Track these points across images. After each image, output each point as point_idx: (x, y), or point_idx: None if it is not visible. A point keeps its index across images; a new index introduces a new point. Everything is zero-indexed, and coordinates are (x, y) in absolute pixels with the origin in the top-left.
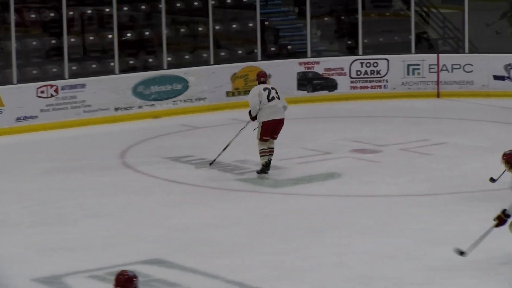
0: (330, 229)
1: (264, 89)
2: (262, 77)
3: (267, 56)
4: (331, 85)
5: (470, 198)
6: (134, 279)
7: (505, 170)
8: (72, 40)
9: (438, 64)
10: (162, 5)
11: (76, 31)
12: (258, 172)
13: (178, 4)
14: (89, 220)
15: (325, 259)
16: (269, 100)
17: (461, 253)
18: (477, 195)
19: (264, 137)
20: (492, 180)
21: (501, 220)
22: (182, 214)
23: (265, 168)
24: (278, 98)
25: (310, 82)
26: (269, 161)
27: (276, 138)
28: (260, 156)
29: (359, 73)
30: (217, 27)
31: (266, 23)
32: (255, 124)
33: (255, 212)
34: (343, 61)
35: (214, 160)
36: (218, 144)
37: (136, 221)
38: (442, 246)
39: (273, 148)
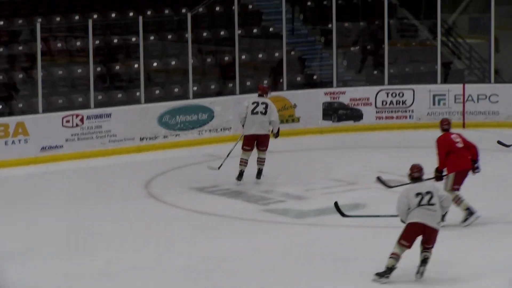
0: (356, 259)
1: (253, 102)
2: (259, 90)
3: (292, 86)
4: (356, 115)
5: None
6: None
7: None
8: (98, 69)
9: (463, 94)
10: (189, 34)
11: (103, 60)
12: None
13: (205, 34)
14: (114, 249)
15: None
16: (252, 114)
17: (341, 212)
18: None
19: (243, 147)
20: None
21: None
22: (207, 244)
23: (239, 176)
24: (264, 113)
25: (335, 112)
26: (242, 171)
27: (262, 150)
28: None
29: (384, 103)
30: (243, 57)
31: (292, 52)
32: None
33: (280, 242)
34: (369, 91)
35: (221, 164)
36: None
37: (161, 250)
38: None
39: (262, 159)
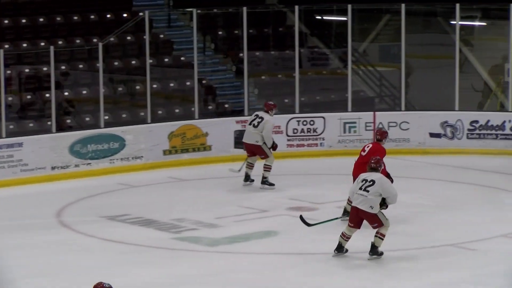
0: (268, 287)
1: (254, 114)
2: (265, 106)
3: (204, 114)
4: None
5: (407, 256)
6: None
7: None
8: (10, 98)
9: (374, 122)
10: (100, 64)
11: (14, 89)
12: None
13: (116, 63)
14: (27, 280)
15: None
16: (248, 124)
17: (306, 223)
18: (411, 253)
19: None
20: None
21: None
22: (121, 274)
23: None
24: (256, 126)
25: None
26: (246, 174)
27: (261, 158)
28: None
29: (295, 131)
30: (155, 86)
31: (204, 81)
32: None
33: (192, 271)
34: (280, 119)
35: (241, 168)
36: (155, 202)
37: (75, 280)
38: None
39: (265, 165)
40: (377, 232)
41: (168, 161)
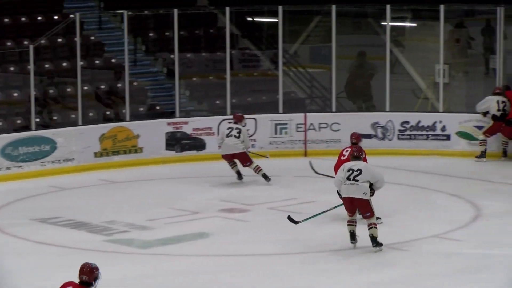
0: None
1: (228, 128)
2: (235, 118)
3: (135, 116)
4: (199, 145)
5: (340, 255)
6: (96, 270)
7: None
8: None
9: (305, 123)
10: (31, 66)
11: None
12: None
13: (47, 65)
14: None
15: None
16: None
17: (293, 221)
18: (347, 253)
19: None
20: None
21: None
22: (52, 277)
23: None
24: (237, 137)
25: (178, 142)
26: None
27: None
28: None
29: None
30: (86, 88)
31: (135, 83)
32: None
33: (124, 273)
34: (212, 120)
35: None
36: (86, 205)
37: (7, 283)
38: None
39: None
40: (370, 224)
41: (100, 163)
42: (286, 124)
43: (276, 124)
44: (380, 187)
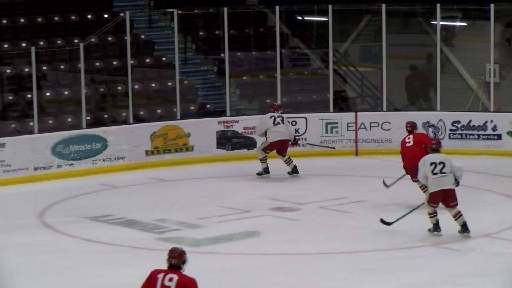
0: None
1: (271, 117)
2: (272, 107)
3: (186, 115)
4: (250, 144)
5: (388, 256)
6: (184, 254)
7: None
8: None
9: (356, 122)
10: (81, 64)
11: None
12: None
13: (97, 64)
14: (4, 281)
15: None
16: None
17: (386, 223)
18: (395, 253)
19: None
20: (385, 184)
21: None
22: (101, 274)
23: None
24: (283, 124)
25: (229, 140)
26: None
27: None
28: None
29: None
30: (136, 86)
31: (186, 82)
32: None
33: None
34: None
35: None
36: (137, 203)
37: (55, 281)
38: None
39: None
40: (457, 213)
41: (150, 161)
42: (336, 123)
43: (327, 123)
44: (461, 176)
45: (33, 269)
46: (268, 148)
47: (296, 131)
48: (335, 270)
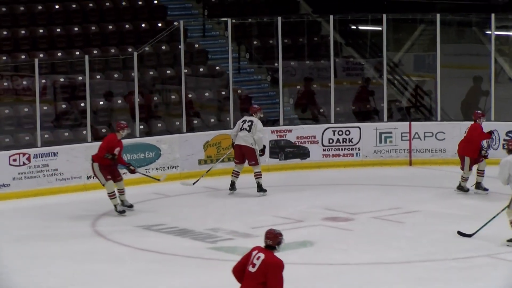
0: None
1: (242, 120)
2: (250, 110)
3: None
4: (303, 153)
5: (442, 266)
6: (280, 235)
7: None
8: (45, 108)
9: (410, 132)
10: (135, 73)
11: (49, 99)
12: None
13: (151, 72)
14: None
15: None
16: (240, 130)
17: (466, 235)
18: (449, 263)
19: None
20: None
21: None
22: (154, 283)
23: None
24: (248, 130)
25: (282, 150)
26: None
27: (241, 162)
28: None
29: (331, 141)
30: (190, 95)
31: (239, 91)
32: None
33: (226, 281)
34: (316, 129)
35: (197, 180)
36: (190, 212)
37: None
38: None
39: (238, 172)
40: None
41: (204, 170)
42: (390, 132)
43: (381, 133)
44: None
45: (85, 278)
46: (235, 156)
47: (350, 140)
48: (388, 281)
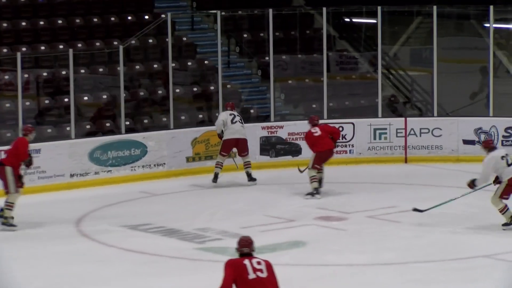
0: None
1: (230, 114)
2: (228, 106)
3: None
4: (295, 150)
5: (440, 267)
6: (252, 240)
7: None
8: (27, 103)
9: (405, 128)
10: (121, 68)
11: (32, 94)
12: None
13: (137, 67)
14: None
15: None
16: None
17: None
18: (447, 264)
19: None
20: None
21: (470, 187)
22: (140, 285)
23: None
24: (242, 122)
25: (273, 147)
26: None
27: (227, 153)
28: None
29: None
30: (178, 91)
31: (228, 86)
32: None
33: (215, 282)
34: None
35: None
36: (177, 211)
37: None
38: None
39: (222, 163)
40: None
41: (192, 168)
42: (385, 129)
43: (375, 129)
44: None
45: (70, 280)
46: (224, 149)
47: (343, 137)
48: (383, 282)
